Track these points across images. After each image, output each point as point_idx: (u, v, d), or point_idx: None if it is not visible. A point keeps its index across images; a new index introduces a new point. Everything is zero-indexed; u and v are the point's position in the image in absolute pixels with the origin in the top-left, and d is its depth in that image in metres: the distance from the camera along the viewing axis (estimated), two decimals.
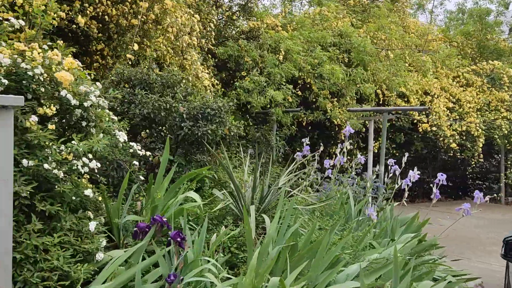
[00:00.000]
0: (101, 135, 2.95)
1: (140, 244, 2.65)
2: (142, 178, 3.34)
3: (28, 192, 2.49)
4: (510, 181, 14.01)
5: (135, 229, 2.80)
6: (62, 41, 4.60)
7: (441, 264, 3.90)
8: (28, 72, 2.59)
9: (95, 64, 5.08)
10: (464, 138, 12.47)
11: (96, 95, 2.98)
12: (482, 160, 12.87)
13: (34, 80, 2.64)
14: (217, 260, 2.90)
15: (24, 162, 2.52)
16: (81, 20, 3.92)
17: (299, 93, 9.66)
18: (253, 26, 9.90)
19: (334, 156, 5.99)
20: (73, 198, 2.73)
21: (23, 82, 2.62)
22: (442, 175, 4.86)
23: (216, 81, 8.58)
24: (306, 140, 6.70)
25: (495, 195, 13.81)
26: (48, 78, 2.75)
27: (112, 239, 3.19)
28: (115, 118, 3.10)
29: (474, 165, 13.13)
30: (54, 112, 2.71)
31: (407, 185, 4.84)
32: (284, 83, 8.76)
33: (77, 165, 2.68)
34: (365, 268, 3.15)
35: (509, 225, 9.34)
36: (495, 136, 12.42)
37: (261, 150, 8.57)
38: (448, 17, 19.35)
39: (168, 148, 3.48)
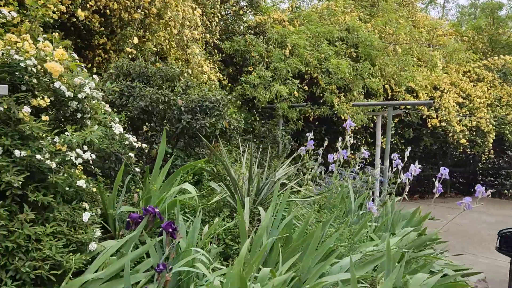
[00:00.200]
0: (96, 126, 2.97)
1: (131, 234, 2.67)
2: (137, 169, 3.36)
3: (20, 183, 2.52)
4: None
5: (127, 219, 2.82)
6: (64, 35, 4.64)
7: (440, 258, 3.85)
8: (20, 64, 2.61)
9: (97, 58, 5.11)
10: (474, 133, 12.29)
11: (91, 87, 3.00)
12: (492, 156, 12.68)
13: (27, 71, 2.66)
14: (209, 251, 2.90)
15: (17, 152, 2.55)
16: (81, 13, 3.95)
17: (306, 88, 9.60)
18: (259, 21, 9.87)
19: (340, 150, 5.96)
20: (67, 188, 2.75)
21: (16, 73, 2.65)
22: (444, 169, 4.79)
23: (221, 76, 8.58)
24: (310, 135, 6.67)
25: (506, 191, 13.61)
26: (42, 70, 2.78)
27: (109, 230, 3.21)
28: (109, 109, 3.11)
29: (484, 161, 12.92)
30: (48, 103, 2.74)
31: (408, 178, 4.78)
32: (290, 78, 8.72)
33: (70, 156, 2.70)
34: (360, 260, 3.13)
35: None
36: (506, 131, 12.22)
37: (267, 145, 8.55)
38: (460, 12, 19.05)
39: (165, 141, 3.49)
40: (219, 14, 7.60)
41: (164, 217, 2.95)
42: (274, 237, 3.01)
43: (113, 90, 3.78)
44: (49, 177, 2.64)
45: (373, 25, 10.48)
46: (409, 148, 5.50)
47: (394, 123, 12.03)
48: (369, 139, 11.75)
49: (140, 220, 2.78)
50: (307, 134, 6.71)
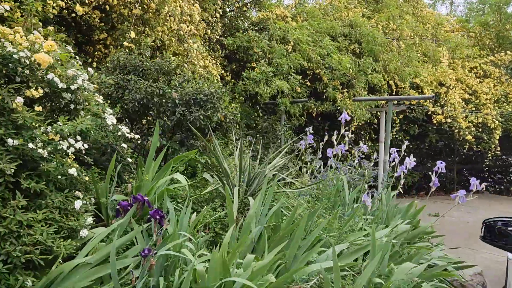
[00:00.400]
0: (89, 117, 3.04)
1: (120, 221, 2.74)
2: (130, 160, 3.43)
3: (13, 170, 2.61)
4: None
5: (117, 207, 2.89)
6: (65, 31, 4.73)
7: (432, 250, 3.87)
8: (14, 56, 2.70)
9: (97, 53, 5.21)
10: (480, 130, 12.19)
11: (84, 78, 3.08)
12: (499, 152, 12.57)
13: (20, 63, 2.75)
14: (198, 238, 2.97)
15: (9, 141, 2.63)
16: (79, 9, 4.04)
17: (309, 83, 9.62)
18: (262, 17, 9.91)
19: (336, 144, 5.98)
20: (59, 177, 2.84)
21: (10, 65, 2.74)
22: (441, 163, 4.80)
23: (223, 72, 8.64)
24: (309, 129, 6.70)
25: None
26: (36, 62, 2.86)
27: (102, 218, 3.30)
28: (101, 100, 3.19)
29: (491, 158, 12.81)
30: (41, 94, 2.82)
31: (403, 172, 4.80)
32: (292, 74, 8.75)
33: (62, 146, 2.79)
34: (348, 250, 3.17)
35: None
36: None
37: (269, 140, 8.61)
38: (468, 8, 18.85)
39: (158, 132, 3.56)
40: (220, 10, 7.65)
41: (154, 205, 3.02)
42: (261, 226, 3.06)
43: (109, 83, 3.86)
44: (41, 165, 2.72)
45: (376, 20, 10.46)
46: (406, 142, 5.50)
47: (398, 119, 11.99)
48: (373, 135, 11.73)
49: (129, 208, 2.85)
50: (307, 129, 6.74)
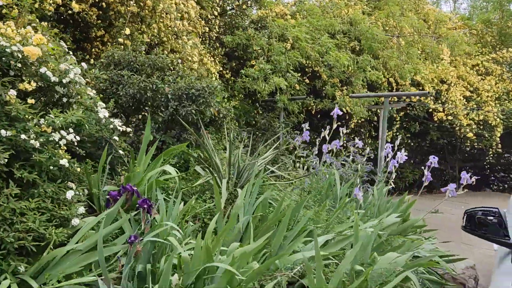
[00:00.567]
0: (81, 110, 3.14)
1: (109, 210, 2.83)
2: (121, 152, 3.52)
3: (6, 160, 2.70)
4: None
5: (107, 197, 2.98)
6: (63, 28, 4.82)
7: (421, 242, 3.92)
8: (7, 49, 2.79)
9: (94, 50, 5.31)
10: (482, 127, 12.19)
11: (77, 72, 3.18)
12: (500, 150, 12.56)
13: (13, 57, 2.85)
14: (186, 227, 3.05)
15: (2, 132, 2.73)
16: (75, 6, 4.14)
17: (308, 81, 9.68)
18: (261, 15, 9.98)
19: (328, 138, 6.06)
20: (51, 167, 2.93)
21: (3, 59, 2.83)
22: (434, 157, 4.85)
23: (222, 69, 8.73)
24: (306, 126, 6.77)
25: None
26: (28, 56, 2.95)
27: (95, 209, 3.39)
28: (92, 94, 3.28)
29: (492, 156, 12.79)
30: (34, 87, 2.92)
31: (394, 166, 4.85)
32: (290, 71, 8.82)
33: (54, 137, 2.88)
34: (334, 239, 3.25)
35: None
36: None
37: (267, 137, 8.68)
38: (472, 6, 18.80)
39: (149, 126, 3.65)
40: (218, 8, 7.73)
41: (144, 196, 3.11)
42: (248, 216, 3.14)
43: (103, 78, 3.96)
44: (33, 156, 2.82)
45: (376, 17, 10.49)
46: (400, 137, 5.55)
47: (399, 117, 12.01)
48: (373, 133, 11.77)
49: (118, 198, 2.94)
50: (303, 125, 6.81)
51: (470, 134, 11.59)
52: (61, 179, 3.07)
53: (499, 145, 12.16)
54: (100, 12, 5.32)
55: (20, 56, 2.85)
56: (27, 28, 2.90)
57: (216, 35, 8.50)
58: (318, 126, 10.65)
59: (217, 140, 4.92)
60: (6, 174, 2.80)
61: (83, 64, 3.50)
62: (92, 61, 5.19)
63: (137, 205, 2.85)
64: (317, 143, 6.53)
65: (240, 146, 4.24)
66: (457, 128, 11.74)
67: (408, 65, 9.75)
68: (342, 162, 5.58)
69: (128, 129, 3.55)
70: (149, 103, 4.19)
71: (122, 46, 4.72)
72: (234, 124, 8.49)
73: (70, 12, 4.62)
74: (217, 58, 8.93)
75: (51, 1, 4.19)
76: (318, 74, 9.62)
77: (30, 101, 2.90)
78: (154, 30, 5.24)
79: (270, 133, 8.94)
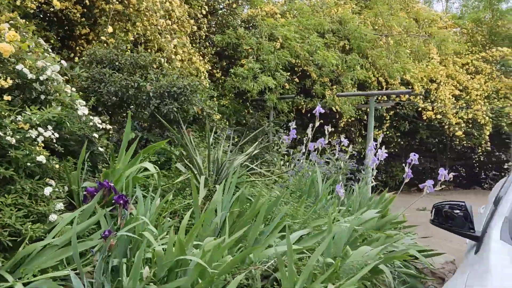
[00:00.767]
0: (59, 108, 3.17)
1: (85, 206, 2.87)
2: (101, 149, 3.56)
3: None
4: None
5: (84, 193, 3.02)
6: (48, 25, 4.82)
7: (400, 238, 3.98)
8: None
9: (78, 48, 5.33)
10: (471, 126, 12.29)
11: (55, 70, 3.21)
12: (489, 148, 12.67)
13: None
14: (163, 223, 3.09)
15: None
16: (56, 3, 4.16)
17: (297, 80, 9.73)
18: (251, 14, 10.02)
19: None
20: (28, 164, 2.96)
21: None
22: (414, 155, 4.91)
23: (210, 68, 8.76)
24: (293, 124, 6.82)
25: None
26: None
27: (75, 205, 3.43)
28: (69, 91, 3.31)
29: (481, 154, 12.90)
30: (10, 84, 2.95)
31: (379, 162, 4.91)
32: (280, 70, 8.86)
33: (31, 134, 2.91)
34: (309, 234, 3.30)
35: None
36: (502, 124, 12.20)
37: (256, 135, 8.72)
38: (463, 5, 18.93)
39: (130, 123, 3.68)
40: (206, 7, 7.76)
41: (122, 192, 3.15)
42: (225, 211, 3.19)
43: (85, 76, 3.99)
44: (9, 152, 2.85)
45: (365, 16, 10.55)
46: (382, 135, 5.61)
47: (389, 116, 12.10)
48: (363, 132, 11.84)
49: (95, 194, 2.98)
50: (290, 124, 6.87)
51: (459, 133, 11.68)
52: (39, 175, 3.10)
53: (488, 143, 12.27)
54: (85, 10, 5.34)
55: None
56: (2, 25, 2.93)
57: (206, 34, 8.53)
58: (308, 125, 10.70)
59: (201, 138, 4.96)
60: None
61: (63, 62, 3.54)
62: (76, 59, 5.21)
63: (113, 201, 2.89)
64: (304, 141, 6.59)
65: (226, 144, 4.29)
66: (446, 127, 11.83)
67: (397, 65, 9.82)
68: (327, 160, 5.64)
69: (109, 127, 3.59)
70: (132, 101, 4.22)
71: (106, 44, 4.74)
72: (224, 123, 8.55)
73: (52, 9, 4.64)
74: (207, 57, 8.97)
75: None
76: (308, 73, 9.67)
77: (7, 97, 2.93)
78: (138, 28, 5.27)
79: (260, 131, 8.98)
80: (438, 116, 11.71)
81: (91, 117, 3.49)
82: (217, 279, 2.54)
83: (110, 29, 4.76)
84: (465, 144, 12.81)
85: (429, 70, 11.71)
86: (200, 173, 3.72)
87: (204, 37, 8.96)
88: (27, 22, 3.56)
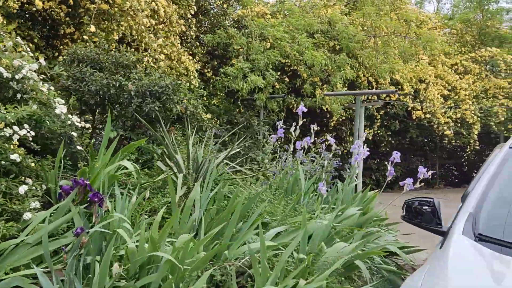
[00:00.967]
0: (35, 106, 3.17)
1: (60, 204, 2.87)
2: (79, 148, 3.56)
3: None
4: None
5: (59, 191, 3.02)
6: (31, 25, 4.81)
7: (380, 235, 4.01)
8: None
9: (63, 47, 5.32)
10: (460, 125, 12.38)
11: (32, 69, 3.21)
12: (478, 147, 12.76)
13: None
14: (140, 220, 3.10)
15: None
16: (38, 3, 4.16)
17: (287, 80, 9.76)
18: (242, 14, 10.04)
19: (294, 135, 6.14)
20: (2, 162, 2.96)
21: None
22: (396, 153, 4.94)
23: (203, 68, 8.77)
24: (280, 123, 6.84)
25: None
26: None
27: (53, 203, 3.42)
28: (45, 89, 3.30)
29: (470, 153, 12.99)
30: None
31: (356, 161, 4.94)
32: (270, 69, 8.88)
33: (5, 132, 2.91)
34: (286, 231, 3.32)
35: None
36: (491, 123, 12.29)
37: (246, 134, 8.73)
38: (454, 5, 19.03)
39: (110, 122, 3.68)
40: (194, 7, 7.78)
41: (100, 190, 3.15)
42: (202, 209, 3.20)
43: (66, 75, 3.99)
44: None
45: (354, 17, 10.61)
46: (365, 134, 5.65)
47: (379, 115, 12.16)
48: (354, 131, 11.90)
49: (71, 191, 2.98)
50: (277, 123, 6.88)
51: (448, 132, 11.77)
52: (15, 174, 3.10)
53: (477, 142, 12.36)
54: (70, 10, 5.34)
55: None
56: None
57: (196, 34, 8.54)
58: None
59: (185, 136, 4.96)
60: None
61: (41, 60, 3.54)
62: (60, 58, 5.21)
63: (88, 199, 2.90)
64: (292, 140, 6.61)
65: (212, 143, 4.31)
66: (435, 126, 11.91)
67: (386, 65, 9.88)
68: (312, 158, 5.66)
69: (88, 125, 3.59)
70: (114, 100, 4.22)
71: (88, 44, 4.75)
72: (215, 121, 8.56)
73: (35, 9, 4.63)
74: (198, 57, 8.98)
75: None
76: (298, 73, 9.70)
77: None
78: (122, 27, 5.27)
79: (251, 131, 9.00)
80: (427, 116, 11.79)
81: (69, 115, 3.49)
82: (189, 275, 2.55)
83: (92, 28, 4.76)
84: (454, 143, 12.90)
85: (418, 70, 11.78)
86: (180, 171, 3.73)
87: (194, 37, 8.97)
88: (11, 22, 3.55)
